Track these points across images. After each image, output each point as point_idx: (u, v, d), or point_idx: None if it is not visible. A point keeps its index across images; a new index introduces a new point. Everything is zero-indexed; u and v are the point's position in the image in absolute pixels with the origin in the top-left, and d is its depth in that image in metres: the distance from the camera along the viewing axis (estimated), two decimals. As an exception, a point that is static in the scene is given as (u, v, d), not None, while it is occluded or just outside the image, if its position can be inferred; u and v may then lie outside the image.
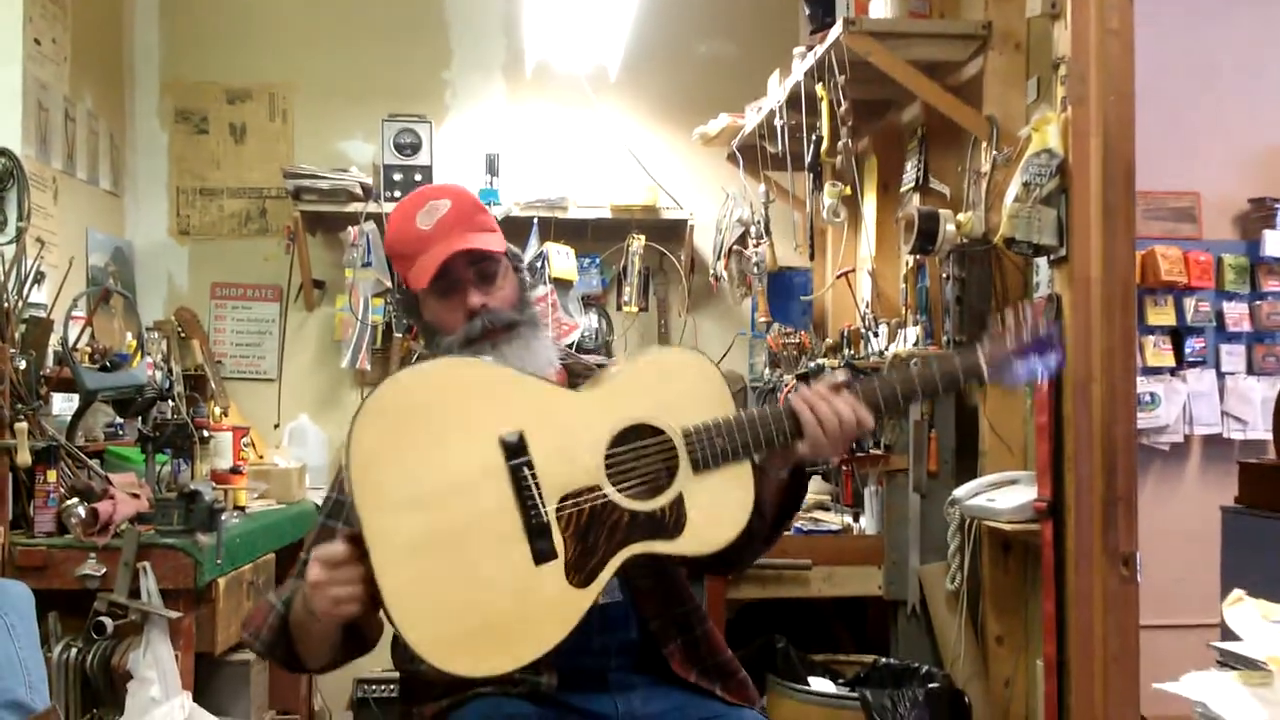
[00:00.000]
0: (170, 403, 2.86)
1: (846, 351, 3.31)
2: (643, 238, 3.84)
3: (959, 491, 2.69)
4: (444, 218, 1.54)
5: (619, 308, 3.93)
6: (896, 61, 2.75)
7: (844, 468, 3.10)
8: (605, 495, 1.25)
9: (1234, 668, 1.06)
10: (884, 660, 2.79)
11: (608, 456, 1.28)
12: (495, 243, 1.56)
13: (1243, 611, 1.04)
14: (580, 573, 1.21)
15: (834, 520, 3.02)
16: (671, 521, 1.26)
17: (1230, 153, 3.15)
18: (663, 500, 1.26)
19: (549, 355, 1.56)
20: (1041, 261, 2.51)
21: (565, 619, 1.20)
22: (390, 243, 1.61)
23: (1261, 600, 1.06)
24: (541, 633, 1.19)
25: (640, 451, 1.29)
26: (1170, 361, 3.03)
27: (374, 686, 3.63)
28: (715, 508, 1.27)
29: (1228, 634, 1.16)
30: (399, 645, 1.57)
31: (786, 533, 2.88)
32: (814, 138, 3.08)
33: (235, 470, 2.96)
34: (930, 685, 2.56)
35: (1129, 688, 2.29)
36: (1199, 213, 3.12)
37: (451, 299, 1.54)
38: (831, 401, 1.33)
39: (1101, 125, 2.30)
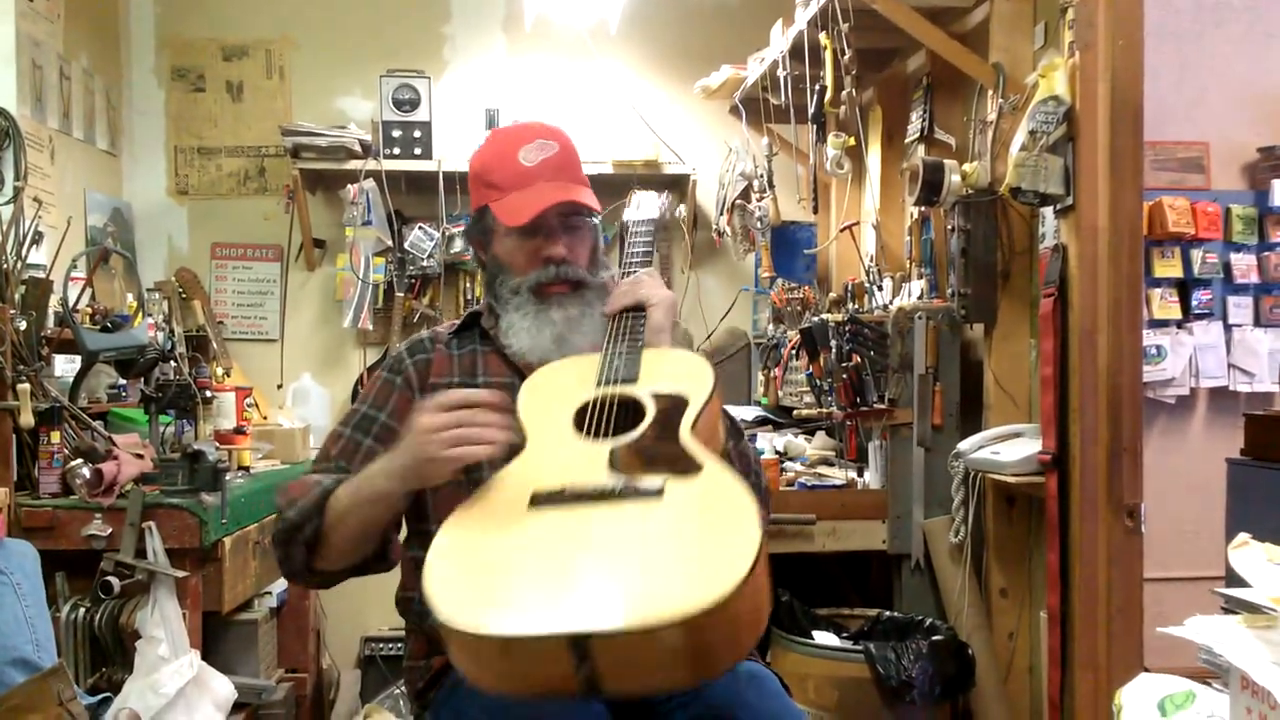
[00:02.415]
0: (172, 364, 2.86)
1: (851, 305, 3.29)
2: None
3: (963, 445, 2.68)
4: (550, 159, 1.56)
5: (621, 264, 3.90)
6: (900, 8, 2.70)
7: (848, 422, 3.09)
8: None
9: (1239, 614, 1.05)
10: (888, 614, 2.80)
11: None
12: (593, 199, 1.58)
13: (1248, 554, 1.04)
14: None
15: (838, 475, 3.01)
16: None
17: (1240, 101, 3.09)
18: None
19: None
20: (1047, 211, 2.48)
21: None
22: (485, 166, 1.60)
23: (1267, 544, 1.05)
24: None
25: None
26: (1177, 314, 3.00)
27: (381, 645, 3.66)
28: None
29: (1233, 582, 1.15)
30: (406, 598, 1.58)
31: (788, 488, 2.91)
32: (817, 88, 3.04)
33: (239, 431, 2.97)
34: (934, 638, 2.57)
35: (1133, 640, 2.29)
36: (1207, 162, 3.08)
37: (533, 242, 1.55)
38: (629, 287, 1.56)
39: (1110, 71, 2.26)
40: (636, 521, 1.12)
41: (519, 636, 1.02)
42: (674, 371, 1.40)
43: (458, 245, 3.73)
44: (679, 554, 1.06)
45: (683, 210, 3.88)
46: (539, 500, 1.19)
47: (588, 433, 1.31)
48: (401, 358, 1.62)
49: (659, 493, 1.14)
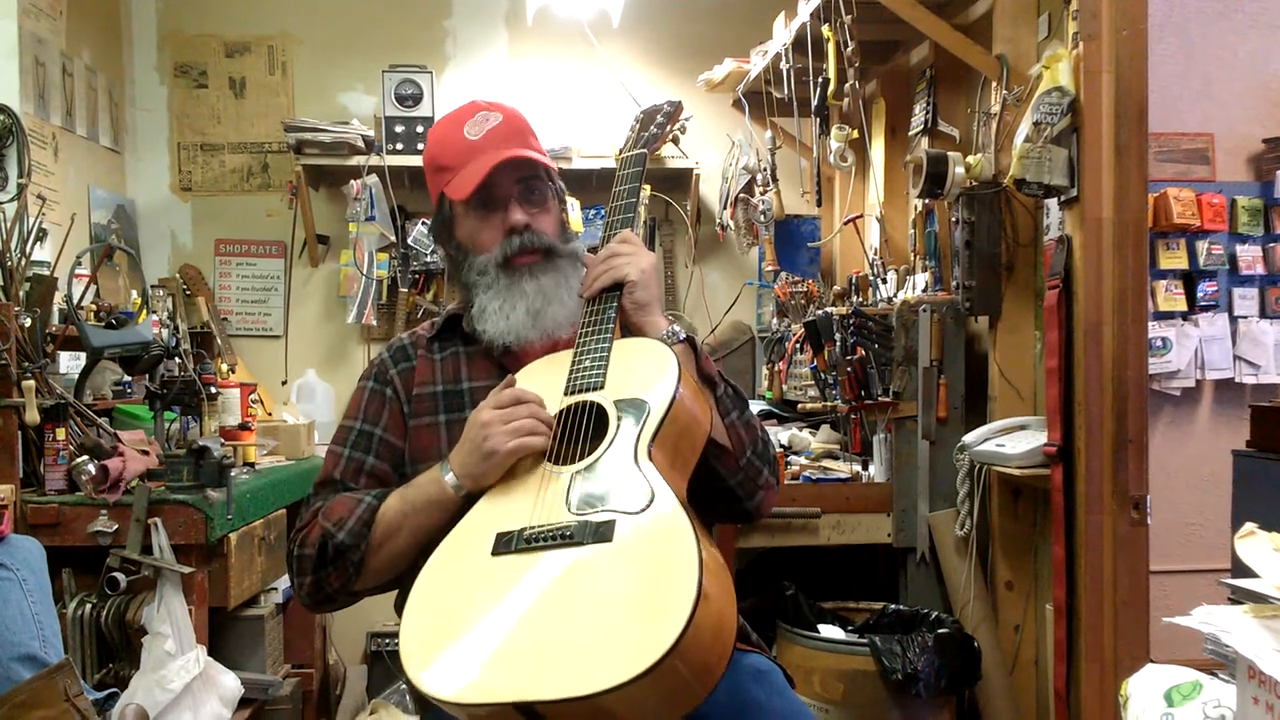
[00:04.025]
0: (177, 360, 2.86)
1: (855, 299, 3.28)
2: (648, 188, 3.80)
3: (968, 437, 2.68)
4: (495, 129, 1.50)
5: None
6: None
7: (852, 416, 3.09)
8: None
9: (1245, 604, 1.05)
10: (893, 607, 2.80)
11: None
12: (544, 158, 1.53)
13: (1254, 545, 1.03)
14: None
15: (843, 468, 3.01)
16: None
17: (1245, 92, 3.08)
18: None
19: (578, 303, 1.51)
20: (1052, 203, 2.47)
21: None
22: (432, 154, 1.55)
23: (1274, 534, 1.04)
24: None
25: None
26: (1182, 306, 2.99)
27: (388, 640, 3.66)
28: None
29: (1239, 573, 1.15)
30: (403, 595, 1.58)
31: (793, 482, 2.91)
32: (820, 81, 3.03)
33: (244, 427, 2.97)
34: (940, 631, 2.57)
35: (1139, 632, 2.29)
36: (1212, 154, 3.07)
37: (492, 214, 1.50)
38: (604, 262, 1.49)
39: (1114, 61, 2.25)
40: (585, 574, 1.18)
41: (473, 703, 1.11)
42: (640, 371, 1.39)
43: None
44: (620, 614, 1.12)
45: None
46: (501, 545, 1.25)
47: (552, 455, 1.35)
48: (386, 366, 1.58)
49: (609, 537, 1.20)
